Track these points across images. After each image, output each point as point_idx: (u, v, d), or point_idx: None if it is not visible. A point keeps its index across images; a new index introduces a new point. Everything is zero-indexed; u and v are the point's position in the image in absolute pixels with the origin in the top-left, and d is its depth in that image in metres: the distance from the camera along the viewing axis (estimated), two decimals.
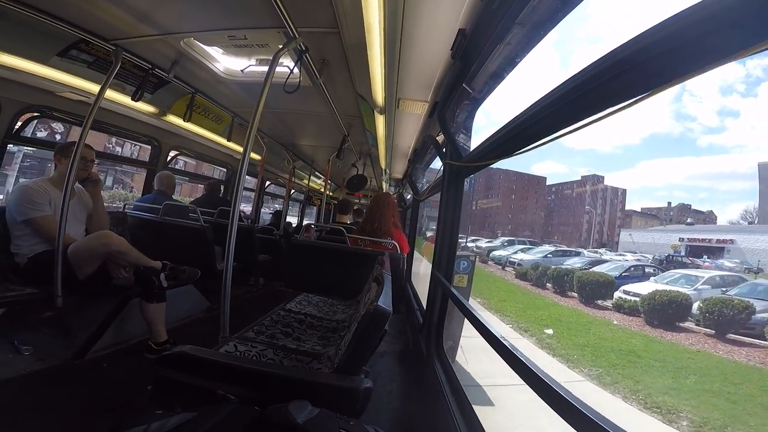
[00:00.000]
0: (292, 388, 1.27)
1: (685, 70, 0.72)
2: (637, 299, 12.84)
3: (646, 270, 19.82)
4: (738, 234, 27.92)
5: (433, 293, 2.67)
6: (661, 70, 0.78)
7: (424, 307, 3.00)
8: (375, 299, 1.45)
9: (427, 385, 2.33)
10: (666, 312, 11.51)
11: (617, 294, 14.22)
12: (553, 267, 18.68)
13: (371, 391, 1.26)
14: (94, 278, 2.56)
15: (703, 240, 30.33)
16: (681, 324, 11.33)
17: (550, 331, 10.82)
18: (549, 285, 17.31)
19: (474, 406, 1.76)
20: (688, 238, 31.49)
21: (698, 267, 22.54)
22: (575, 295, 15.44)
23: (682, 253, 29.14)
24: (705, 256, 27.09)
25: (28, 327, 2.48)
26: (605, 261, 23.51)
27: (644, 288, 14.02)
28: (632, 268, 19.68)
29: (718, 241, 28.66)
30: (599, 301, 14.49)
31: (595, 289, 14.61)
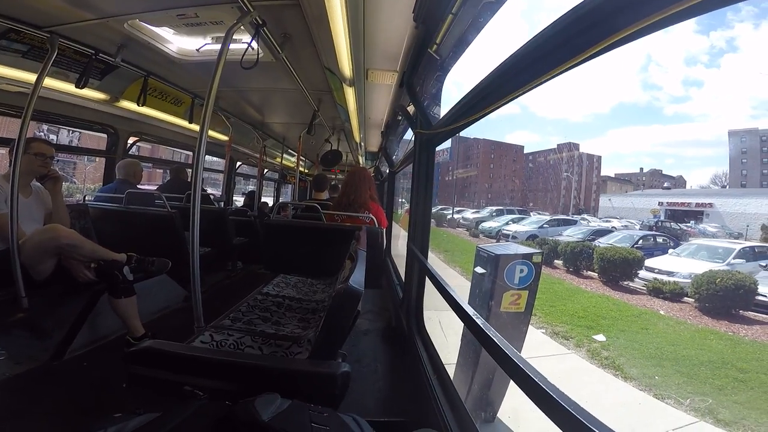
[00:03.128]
0: (267, 378, 1.23)
1: (640, 24, 0.71)
2: (682, 281, 10.59)
3: (658, 240, 16.92)
4: (716, 198, 26.56)
5: (410, 268, 2.67)
6: (621, 24, 0.76)
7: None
8: (347, 278, 1.42)
9: (409, 363, 2.34)
10: (732, 299, 9.03)
11: (647, 274, 11.71)
12: (563, 242, 15.56)
13: (349, 375, 1.23)
14: (55, 276, 2.45)
15: (682, 204, 29.43)
16: (746, 313, 8.91)
17: (601, 338, 8.11)
18: (558, 262, 14.45)
19: None
20: (667, 202, 31.51)
21: (690, 233, 20.87)
22: (593, 274, 12.87)
23: (662, 218, 29.22)
24: (692, 221, 27.14)
25: None
26: (609, 231, 19.97)
27: (671, 264, 11.87)
28: (642, 239, 16.67)
29: (697, 204, 27.63)
30: (627, 283, 11.94)
31: (622, 269, 12.09)
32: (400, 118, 4.23)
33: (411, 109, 3.13)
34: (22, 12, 2.35)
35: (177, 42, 2.95)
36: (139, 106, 3.59)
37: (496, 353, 1.02)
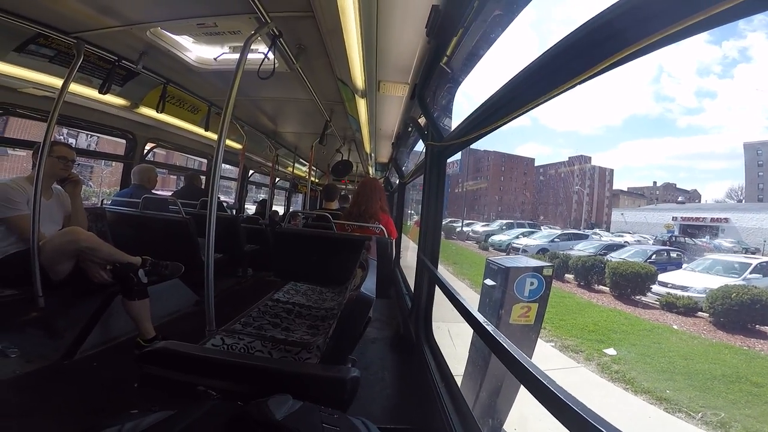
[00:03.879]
0: (277, 380, 1.25)
1: (651, 39, 0.73)
2: (696, 296, 10.63)
3: (671, 255, 16.96)
4: (731, 212, 26.69)
5: (419, 277, 2.67)
6: (631, 39, 0.78)
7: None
8: (359, 285, 1.44)
9: (417, 371, 2.34)
10: (748, 314, 8.97)
11: (660, 288, 11.75)
12: (574, 256, 15.81)
13: (359, 380, 1.25)
14: (72, 277, 2.50)
15: (697, 219, 28.96)
16: (762, 328, 8.91)
17: (611, 351, 8.06)
18: (569, 276, 14.62)
19: None
20: (681, 217, 30.18)
21: (705, 248, 21.12)
22: (605, 288, 12.96)
23: (676, 233, 28.60)
24: (707, 236, 26.47)
25: (12, 329, 2.42)
26: (621, 245, 20.06)
27: (685, 279, 11.88)
28: (656, 254, 16.67)
29: (712, 219, 27.39)
30: (639, 297, 11.91)
31: (635, 283, 12.01)
32: (410, 129, 4.26)
33: (422, 120, 3.16)
34: (51, 17, 2.45)
35: (196, 51, 3.03)
36: (158, 112, 3.69)
37: (506, 358, 1.03)
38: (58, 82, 2.70)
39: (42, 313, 2.43)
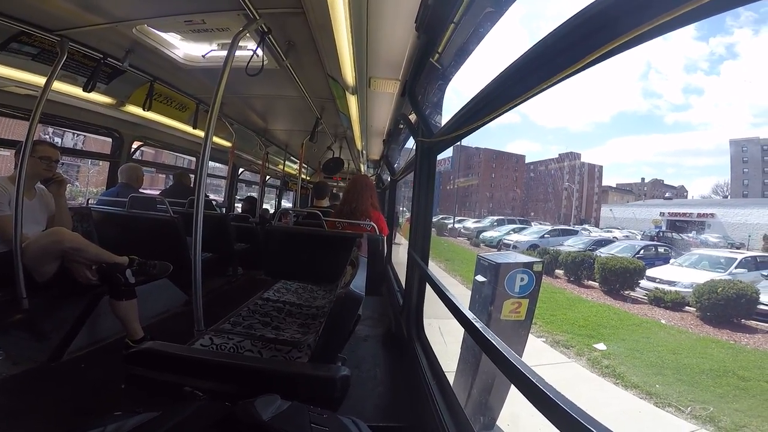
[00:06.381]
0: (267, 380, 1.24)
1: (640, 29, 0.73)
2: (683, 290, 10.73)
3: (659, 250, 17.31)
4: (717, 208, 27.22)
5: (410, 274, 2.67)
6: (620, 30, 0.78)
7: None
8: (349, 283, 1.43)
9: (409, 369, 2.33)
10: (734, 308, 9.06)
11: (648, 283, 11.87)
12: (564, 252, 15.78)
13: (349, 379, 1.23)
14: (58, 278, 2.46)
15: (684, 214, 29.59)
16: (748, 322, 8.98)
17: (601, 346, 8.08)
18: (559, 272, 14.68)
19: None
20: (668, 213, 30.85)
21: (692, 243, 21.59)
22: (594, 284, 12.96)
23: (663, 228, 29.06)
24: (694, 232, 26.95)
25: None
26: (610, 241, 20.35)
27: (673, 274, 12.07)
28: (644, 249, 16.98)
29: (699, 215, 27.91)
30: (628, 292, 11.98)
31: (624, 278, 12.12)
32: (401, 126, 4.25)
33: (413, 117, 3.16)
34: (34, 15, 2.40)
35: (183, 48, 3.00)
36: (144, 110, 3.64)
37: (495, 357, 1.03)
38: (41, 81, 2.64)
39: (27, 315, 2.40)
